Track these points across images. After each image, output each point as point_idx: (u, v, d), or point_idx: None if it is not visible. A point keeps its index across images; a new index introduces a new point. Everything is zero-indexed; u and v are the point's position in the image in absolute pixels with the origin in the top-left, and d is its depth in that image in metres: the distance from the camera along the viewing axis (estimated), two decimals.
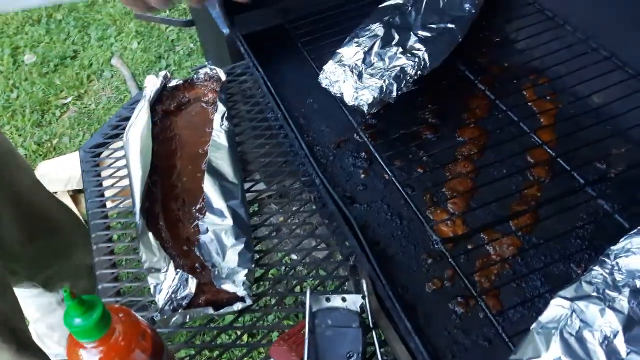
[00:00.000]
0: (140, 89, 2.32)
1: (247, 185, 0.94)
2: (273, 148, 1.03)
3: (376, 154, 0.89)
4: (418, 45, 0.91)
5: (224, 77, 1.10)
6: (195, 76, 1.12)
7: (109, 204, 0.96)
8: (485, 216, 0.83)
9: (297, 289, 0.83)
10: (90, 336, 0.52)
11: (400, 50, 0.90)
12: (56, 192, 1.79)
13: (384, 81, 0.87)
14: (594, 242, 0.78)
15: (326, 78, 0.92)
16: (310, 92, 1.07)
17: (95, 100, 2.31)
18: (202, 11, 1.33)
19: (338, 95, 0.91)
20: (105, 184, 1.00)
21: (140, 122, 0.98)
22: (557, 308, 0.56)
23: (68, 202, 1.78)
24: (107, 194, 0.98)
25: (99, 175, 1.01)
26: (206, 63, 1.14)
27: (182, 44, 2.52)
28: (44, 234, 1.22)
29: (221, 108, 1.01)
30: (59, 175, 1.79)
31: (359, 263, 0.76)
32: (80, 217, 1.39)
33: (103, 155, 1.05)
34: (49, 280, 1.29)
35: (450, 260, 0.75)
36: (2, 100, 2.35)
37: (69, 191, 1.80)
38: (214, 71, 1.11)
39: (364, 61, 0.91)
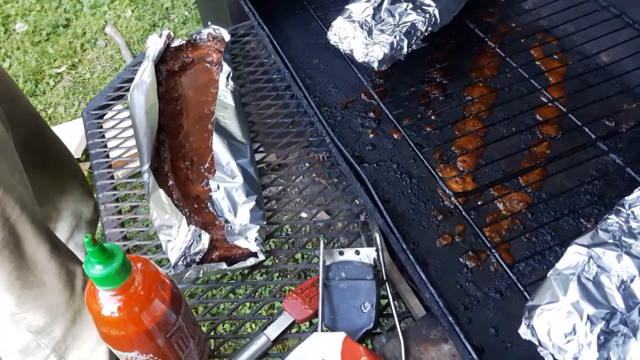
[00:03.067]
0: (135, 57, 2.29)
1: (255, 145, 0.94)
2: (279, 109, 1.02)
3: (386, 112, 0.89)
4: (428, 1, 0.89)
5: (227, 37, 1.08)
6: (198, 36, 1.10)
7: (114, 165, 0.95)
8: (494, 173, 0.83)
9: (309, 245, 0.83)
10: (110, 283, 0.52)
11: (410, 5, 0.89)
12: None
13: (395, 37, 0.86)
14: (603, 196, 0.78)
15: (335, 34, 0.91)
16: (315, 52, 1.06)
17: (89, 69, 2.27)
18: None
19: (347, 51, 0.90)
20: (110, 144, 0.99)
21: (145, 82, 0.97)
22: (574, 255, 0.57)
23: None
24: (112, 154, 0.97)
25: (103, 137, 1.00)
26: (208, 23, 1.12)
27: (176, 11, 2.48)
28: (40, 162, 1.18)
29: (226, 68, 1.00)
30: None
31: (370, 218, 0.76)
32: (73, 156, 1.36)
33: (106, 117, 1.04)
34: (47, 220, 1.25)
35: (463, 213, 0.75)
36: None
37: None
38: (217, 31, 1.10)
39: (373, 17, 0.89)
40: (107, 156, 0.96)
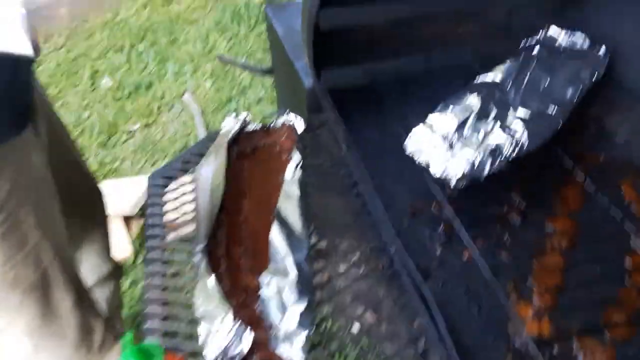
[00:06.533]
0: (207, 127, 2.35)
1: (312, 240, 0.89)
2: (343, 205, 0.98)
3: (459, 229, 0.83)
4: (517, 124, 0.85)
5: (301, 127, 1.08)
6: (273, 123, 1.10)
7: (169, 236, 0.92)
8: (575, 316, 0.74)
9: None
10: None
11: (498, 125, 0.85)
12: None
13: (477, 156, 0.81)
14: None
15: (413, 144, 0.87)
16: (389, 154, 1.02)
17: (162, 131, 2.35)
18: (283, 61, 1.34)
19: (423, 164, 0.86)
20: (167, 216, 0.97)
21: (214, 160, 0.96)
22: None
23: (118, 223, 1.77)
24: (167, 227, 0.95)
25: (163, 206, 0.99)
26: (285, 110, 1.12)
27: (253, 90, 2.56)
28: (73, 205, 1.16)
29: (296, 157, 0.98)
30: (114, 197, 1.78)
31: (431, 348, 0.68)
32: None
33: (170, 187, 1.03)
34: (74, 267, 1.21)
35: None
36: (74, 117, 2.43)
37: (121, 217, 1.79)
38: (292, 120, 1.09)
39: (456, 130, 0.86)
40: (164, 226, 0.94)
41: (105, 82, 2.66)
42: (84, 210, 1.21)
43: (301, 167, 0.98)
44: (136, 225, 1.82)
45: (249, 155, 1.03)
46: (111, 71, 2.73)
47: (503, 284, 0.77)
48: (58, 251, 0.92)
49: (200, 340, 0.70)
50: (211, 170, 0.93)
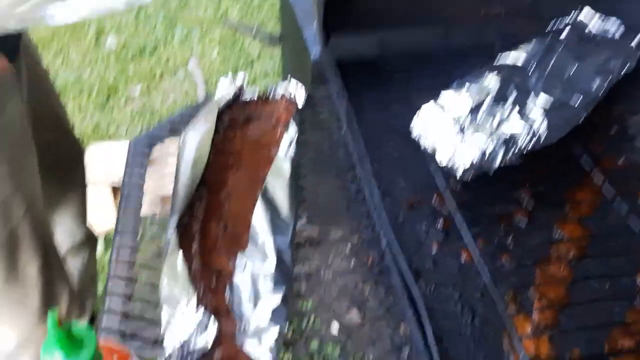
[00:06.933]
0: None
1: (299, 225, 0.82)
2: (336, 189, 0.91)
3: (459, 227, 0.75)
4: (536, 113, 0.77)
5: (301, 100, 1.00)
6: (272, 92, 1.02)
7: (144, 209, 0.85)
8: (576, 339, 0.66)
9: None
10: None
11: (516, 112, 0.77)
12: (95, 182, 1.71)
13: (489, 144, 0.73)
14: None
15: (420, 124, 0.79)
16: (392, 136, 0.94)
17: (161, 98, 2.27)
18: (292, 29, 1.26)
19: (429, 150, 0.78)
20: (146, 186, 0.89)
21: (202, 127, 0.88)
22: None
23: (106, 192, 1.70)
24: (146, 198, 0.88)
25: (143, 175, 0.91)
26: (286, 80, 1.04)
27: (260, 62, 2.48)
28: (51, 164, 1.08)
29: (291, 132, 0.90)
30: (104, 163, 1.71)
31: (415, 358, 0.61)
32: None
33: (154, 152, 0.96)
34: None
35: None
36: (74, 75, 2.35)
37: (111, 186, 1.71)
38: (293, 91, 1.01)
39: (470, 113, 0.77)
40: (140, 197, 0.87)
41: (110, 41, 2.58)
42: (62, 171, 1.15)
43: (296, 143, 0.90)
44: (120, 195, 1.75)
45: (241, 125, 0.95)
46: (117, 30, 2.64)
47: (502, 292, 0.70)
48: (30, 209, 0.86)
49: (162, 327, 0.63)
50: (197, 137, 0.86)
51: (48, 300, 0.92)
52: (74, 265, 1.22)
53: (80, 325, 0.39)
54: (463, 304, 0.70)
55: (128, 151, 0.95)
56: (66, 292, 0.96)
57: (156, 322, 0.66)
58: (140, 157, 0.94)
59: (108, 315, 0.68)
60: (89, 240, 1.27)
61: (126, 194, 0.87)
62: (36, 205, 0.90)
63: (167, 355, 0.59)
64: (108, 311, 0.69)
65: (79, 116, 2.14)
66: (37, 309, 0.91)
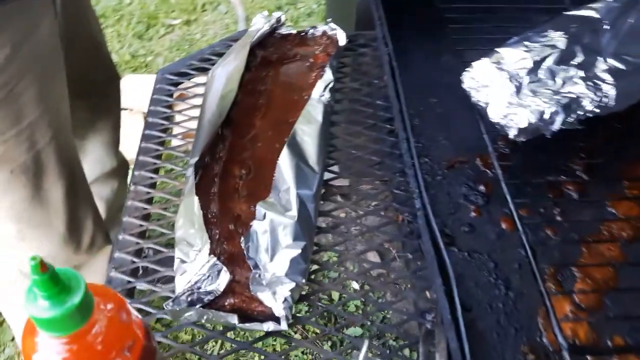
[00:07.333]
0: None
1: (326, 176, 0.76)
2: (371, 142, 0.84)
3: (502, 192, 0.68)
4: (605, 76, 0.68)
5: (342, 42, 0.92)
6: (311, 31, 0.95)
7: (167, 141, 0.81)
8: (620, 328, 0.60)
9: (348, 329, 0.64)
10: (57, 329, 0.36)
11: (581, 74, 0.68)
12: (130, 109, 1.69)
13: (549, 105, 0.65)
14: None
15: (472, 78, 0.72)
16: (437, 90, 0.87)
17: (201, 31, 2.21)
18: None
19: (481, 104, 0.71)
20: (171, 118, 0.85)
21: (232, 62, 0.82)
22: None
23: (139, 122, 1.68)
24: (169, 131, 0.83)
25: (169, 107, 0.87)
26: (328, 20, 0.96)
27: (305, 1, 2.37)
28: (84, 91, 1.05)
29: (328, 75, 0.83)
30: (140, 93, 1.68)
31: (439, 329, 0.56)
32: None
33: (181, 86, 0.91)
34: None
35: None
36: (116, 1, 2.30)
37: (144, 113, 1.69)
38: (334, 32, 0.94)
39: (529, 72, 0.69)
40: (164, 130, 0.83)
41: None
42: (97, 97, 1.12)
43: (331, 88, 0.83)
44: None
45: (274, 64, 0.89)
46: None
47: (542, 268, 0.64)
48: (57, 134, 0.84)
49: (175, 267, 0.60)
50: (226, 73, 0.80)
51: (72, 226, 0.92)
52: (102, 194, 1.21)
53: (67, 269, 0.35)
54: (497, 275, 0.64)
55: (156, 80, 0.91)
56: (91, 220, 0.95)
57: (168, 262, 0.63)
58: (167, 85, 0.89)
59: (120, 252, 0.65)
60: (121, 168, 1.25)
61: (150, 121, 0.83)
62: (64, 131, 0.88)
63: (176, 293, 0.56)
64: (120, 246, 0.66)
65: (118, 44, 2.11)
66: (61, 234, 0.90)
